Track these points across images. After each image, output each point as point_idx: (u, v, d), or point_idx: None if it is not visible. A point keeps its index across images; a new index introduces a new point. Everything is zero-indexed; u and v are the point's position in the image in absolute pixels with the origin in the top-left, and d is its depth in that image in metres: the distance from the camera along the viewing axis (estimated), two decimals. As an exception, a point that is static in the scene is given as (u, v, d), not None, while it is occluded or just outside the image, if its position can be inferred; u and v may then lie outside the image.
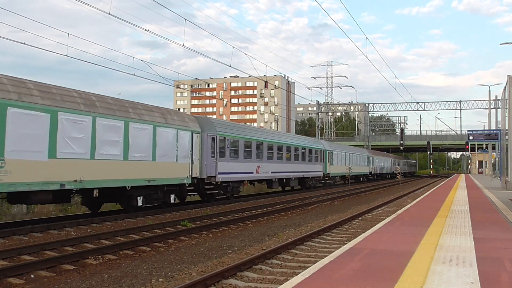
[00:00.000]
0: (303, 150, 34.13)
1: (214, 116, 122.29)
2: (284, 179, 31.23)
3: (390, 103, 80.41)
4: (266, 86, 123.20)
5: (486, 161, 70.98)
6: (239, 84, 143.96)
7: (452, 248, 7.98)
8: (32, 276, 8.53)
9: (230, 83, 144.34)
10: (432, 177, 78.35)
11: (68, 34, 19.99)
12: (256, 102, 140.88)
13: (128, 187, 15.84)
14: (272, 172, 28.68)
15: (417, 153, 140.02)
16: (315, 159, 36.78)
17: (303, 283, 5.56)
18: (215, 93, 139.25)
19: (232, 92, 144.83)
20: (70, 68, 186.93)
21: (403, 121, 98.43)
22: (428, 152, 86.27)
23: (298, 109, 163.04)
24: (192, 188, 20.39)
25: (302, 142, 35.66)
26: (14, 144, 11.96)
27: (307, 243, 11.83)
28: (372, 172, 59.37)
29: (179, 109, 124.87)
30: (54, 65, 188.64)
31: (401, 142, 71.65)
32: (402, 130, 79.17)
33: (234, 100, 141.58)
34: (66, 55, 20.45)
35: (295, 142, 33.65)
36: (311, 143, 37.87)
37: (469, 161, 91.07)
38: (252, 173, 25.94)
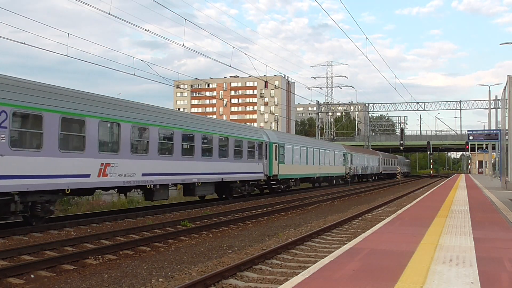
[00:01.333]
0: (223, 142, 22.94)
1: (214, 116, 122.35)
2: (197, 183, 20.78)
3: (390, 103, 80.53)
4: (266, 86, 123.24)
5: (486, 161, 70.98)
6: (239, 84, 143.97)
7: (452, 248, 7.97)
8: (32, 276, 8.53)
9: (230, 83, 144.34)
10: (432, 177, 78.28)
11: (68, 34, 20.01)
12: (256, 102, 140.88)
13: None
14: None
15: (417, 153, 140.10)
16: (249, 155, 25.17)
17: (303, 283, 5.56)
18: (215, 93, 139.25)
19: (232, 92, 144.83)
20: (70, 68, 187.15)
21: (403, 121, 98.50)
22: (428, 152, 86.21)
23: (298, 109, 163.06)
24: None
25: (224, 129, 23.55)
26: None
27: (307, 243, 11.83)
28: (351, 173, 48.05)
29: (179, 109, 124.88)
30: (54, 65, 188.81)
31: (401, 142, 71.64)
32: (402, 130, 79.19)
33: (234, 100, 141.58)
34: (66, 55, 20.46)
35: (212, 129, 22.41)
36: (242, 131, 25.37)
37: (469, 161, 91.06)
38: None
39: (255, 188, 27.57)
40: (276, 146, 28.64)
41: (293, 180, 32.21)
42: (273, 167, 28.01)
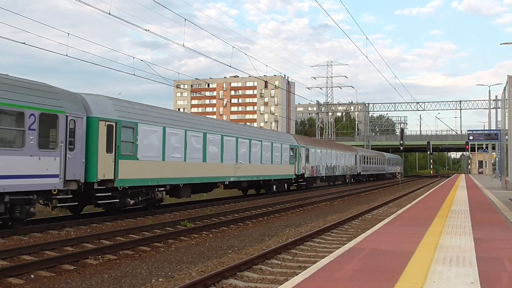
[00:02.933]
0: None
1: (214, 116, 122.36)
2: None
3: (390, 103, 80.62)
4: (266, 86, 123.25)
5: (486, 161, 70.95)
6: (239, 84, 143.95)
7: (452, 248, 7.97)
8: (32, 276, 8.52)
9: (230, 83, 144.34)
10: (432, 177, 78.25)
11: (68, 34, 19.97)
12: (256, 102, 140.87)
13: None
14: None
15: (417, 153, 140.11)
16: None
17: (303, 283, 5.56)
18: (215, 93, 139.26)
19: (232, 92, 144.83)
20: (71, 69, 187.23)
21: (403, 121, 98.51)
22: (428, 152, 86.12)
23: (298, 109, 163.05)
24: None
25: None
26: None
27: (307, 243, 11.83)
28: (308, 175, 35.42)
29: (179, 109, 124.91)
30: (55, 66, 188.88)
31: (401, 142, 71.60)
32: (402, 130, 79.15)
33: (234, 100, 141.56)
34: (66, 55, 20.45)
35: None
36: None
37: (469, 161, 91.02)
38: None
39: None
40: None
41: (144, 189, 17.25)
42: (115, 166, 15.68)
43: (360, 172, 53.11)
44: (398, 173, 43.73)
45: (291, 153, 31.60)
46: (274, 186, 29.45)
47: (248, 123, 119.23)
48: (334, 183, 46.12)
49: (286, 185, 31.52)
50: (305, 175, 34.66)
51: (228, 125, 25.55)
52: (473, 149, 72.52)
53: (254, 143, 26.22)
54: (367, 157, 57.46)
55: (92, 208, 17.78)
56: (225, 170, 22.78)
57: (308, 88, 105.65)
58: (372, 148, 79.14)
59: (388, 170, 72.28)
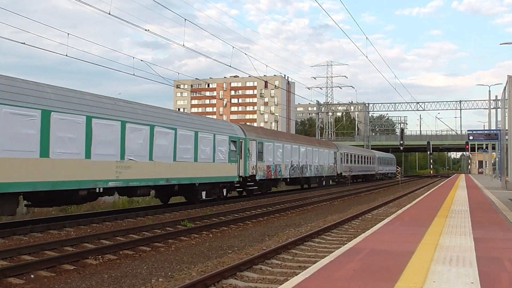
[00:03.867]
0: None
1: (214, 116, 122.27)
2: None
3: (390, 103, 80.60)
4: (266, 86, 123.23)
5: (486, 161, 70.95)
6: (239, 84, 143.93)
7: (452, 248, 7.97)
8: (32, 276, 8.52)
9: (230, 83, 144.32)
10: (432, 177, 78.24)
11: (68, 34, 19.95)
12: (256, 102, 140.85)
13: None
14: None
15: (417, 153, 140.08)
16: None
17: (303, 283, 5.56)
18: (215, 93, 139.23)
19: (232, 92, 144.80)
20: (71, 69, 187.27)
21: (403, 121, 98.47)
22: (428, 152, 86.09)
23: (298, 109, 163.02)
24: None
25: None
26: None
27: (307, 243, 11.83)
28: (260, 176, 27.06)
29: (179, 109, 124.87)
30: (56, 66, 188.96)
31: (401, 142, 71.61)
32: (402, 130, 79.16)
33: (234, 100, 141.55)
34: (66, 55, 20.45)
35: None
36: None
37: (469, 161, 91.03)
38: None
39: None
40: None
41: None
42: None
43: (341, 173, 43.88)
44: (398, 173, 43.68)
45: (233, 148, 23.39)
46: (204, 193, 21.31)
47: (248, 123, 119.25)
48: (303, 186, 37.10)
49: (225, 190, 23.46)
50: (257, 177, 26.25)
51: (107, 102, 16.02)
52: (473, 149, 72.52)
53: (161, 131, 17.99)
54: (351, 155, 48.22)
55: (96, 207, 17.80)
56: (96, 170, 14.85)
57: (308, 88, 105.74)
58: (372, 148, 78.85)
59: (379, 171, 64.16)
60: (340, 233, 13.86)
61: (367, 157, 56.57)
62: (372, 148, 78.60)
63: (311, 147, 36.19)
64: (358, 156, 51.57)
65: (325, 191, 35.00)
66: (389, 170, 73.15)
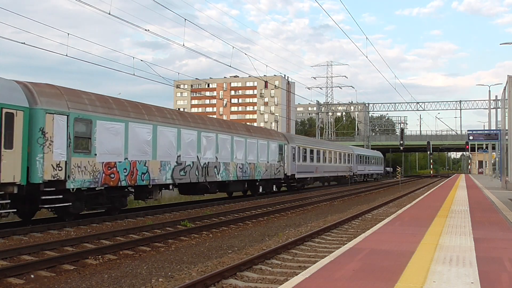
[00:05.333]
0: None
1: (214, 116, 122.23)
2: None
3: (390, 103, 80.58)
4: (266, 86, 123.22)
5: (486, 161, 70.96)
6: (239, 84, 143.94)
7: (452, 248, 7.97)
8: (32, 276, 8.52)
9: (230, 83, 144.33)
10: (432, 177, 78.23)
11: (68, 34, 19.89)
12: (256, 102, 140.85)
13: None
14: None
15: (417, 153, 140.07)
16: None
17: (303, 283, 5.56)
18: (215, 93, 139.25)
19: (232, 92, 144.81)
20: (72, 69, 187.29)
21: (403, 121, 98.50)
22: (428, 152, 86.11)
23: (298, 109, 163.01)
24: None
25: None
26: None
27: (307, 243, 11.83)
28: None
29: (179, 108, 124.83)
30: (56, 66, 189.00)
31: (401, 142, 71.60)
32: (402, 130, 79.16)
33: (234, 100, 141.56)
34: (66, 55, 20.44)
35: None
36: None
37: (469, 161, 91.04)
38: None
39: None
40: None
41: None
42: None
43: (293, 175, 31.30)
44: (398, 173, 43.57)
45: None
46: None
47: (248, 123, 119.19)
48: (204, 194, 23.35)
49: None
50: (70, 184, 14.03)
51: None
52: (473, 149, 72.51)
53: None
54: (312, 151, 35.79)
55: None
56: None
57: (308, 88, 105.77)
58: (372, 148, 78.60)
59: (358, 171, 52.06)
60: (340, 233, 13.86)
61: (342, 155, 44.98)
62: (372, 148, 78.39)
63: (227, 134, 23.17)
64: (323, 152, 39.11)
65: (325, 191, 34.88)
66: (374, 170, 61.79)
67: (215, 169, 21.94)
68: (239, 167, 24.23)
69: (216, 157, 21.98)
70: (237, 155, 23.99)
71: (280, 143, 29.74)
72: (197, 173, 20.41)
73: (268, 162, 27.73)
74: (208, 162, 21.36)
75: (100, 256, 10.14)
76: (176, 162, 19.01)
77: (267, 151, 27.69)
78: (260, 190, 27.30)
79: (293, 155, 31.51)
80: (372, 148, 78.68)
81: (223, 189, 24.09)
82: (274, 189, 29.60)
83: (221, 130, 23.01)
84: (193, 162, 20.13)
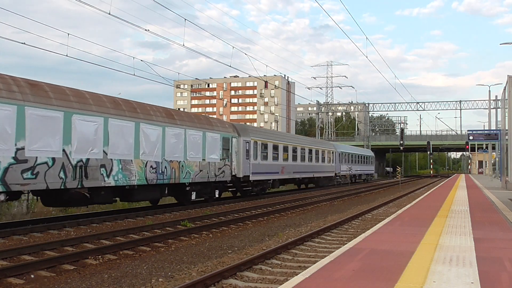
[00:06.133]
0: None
1: (214, 116, 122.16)
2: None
3: (390, 103, 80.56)
4: (266, 86, 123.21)
5: (486, 161, 70.94)
6: (239, 84, 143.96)
7: (452, 248, 7.97)
8: (32, 276, 8.52)
9: (230, 83, 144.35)
10: (432, 177, 78.22)
11: (68, 34, 19.86)
12: (256, 102, 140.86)
13: None
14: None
15: (417, 153, 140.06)
16: None
17: (303, 283, 5.56)
18: (215, 93, 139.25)
19: (232, 92, 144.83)
20: (72, 69, 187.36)
21: (403, 121, 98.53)
22: (428, 152, 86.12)
23: (298, 109, 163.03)
24: None
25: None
26: None
27: (307, 243, 11.83)
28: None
29: (179, 108, 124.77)
30: (57, 66, 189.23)
31: (401, 142, 71.59)
32: (402, 130, 79.17)
33: (234, 100, 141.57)
34: (66, 55, 20.43)
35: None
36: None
37: (469, 161, 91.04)
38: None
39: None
40: None
41: None
42: None
43: (247, 176, 25.04)
44: (398, 173, 43.51)
45: None
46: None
47: (248, 123, 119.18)
48: (88, 206, 17.11)
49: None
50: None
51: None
52: (473, 149, 72.53)
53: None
54: (275, 148, 29.11)
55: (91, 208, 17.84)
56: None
57: (308, 88, 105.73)
58: (372, 149, 78.44)
59: (343, 171, 45.18)
60: (340, 233, 13.86)
61: (318, 152, 38.02)
62: (372, 149, 78.23)
63: (128, 119, 16.48)
64: (293, 148, 32.32)
65: (325, 191, 34.85)
66: (363, 170, 54.69)
67: (102, 169, 15.21)
68: (151, 167, 17.48)
69: (104, 152, 15.18)
70: (146, 150, 17.16)
71: (226, 136, 22.86)
72: (63, 175, 13.79)
73: (204, 159, 20.84)
74: (88, 160, 14.63)
75: (100, 256, 10.13)
76: (14, 158, 12.39)
77: (203, 146, 20.79)
78: (193, 197, 20.73)
79: (246, 151, 24.92)
80: (372, 148, 78.56)
81: (124, 197, 17.39)
82: (217, 195, 22.63)
83: (116, 114, 15.88)
84: (54, 158, 13.50)
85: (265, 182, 27.92)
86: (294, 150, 32.51)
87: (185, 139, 19.59)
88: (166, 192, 19.21)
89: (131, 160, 16.48)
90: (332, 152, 42.39)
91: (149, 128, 17.41)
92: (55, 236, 12.73)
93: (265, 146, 27.54)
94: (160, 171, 18.03)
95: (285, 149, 30.81)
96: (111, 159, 15.57)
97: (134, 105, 17.39)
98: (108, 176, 15.38)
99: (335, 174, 42.93)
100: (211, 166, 21.48)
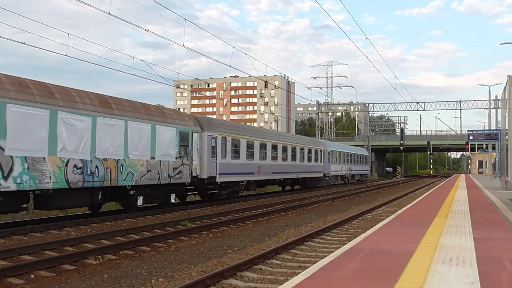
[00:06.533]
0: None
1: (214, 116, 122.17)
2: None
3: (390, 103, 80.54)
4: (266, 86, 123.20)
5: (486, 161, 70.95)
6: (239, 84, 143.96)
7: (452, 248, 7.97)
8: (32, 276, 8.52)
9: (230, 83, 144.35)
10: (432, 177, 78.22)
11: (68, 34, 19.85)
12: (256, 102, 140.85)
13: None
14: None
15: (417, 153, 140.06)
16: None
17: (303, 283, 5.56)
18: (215, 93, 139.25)
19: (232, 92, 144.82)
20: (72, 69, 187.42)
21: (403, 121, 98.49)
22: (428, 152, 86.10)
23: (298, 109, 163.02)
24: None
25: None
26: None
27: (307, 243, 11.83)
28: None
29: (179, 109, 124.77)
30: (57, 66, 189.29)
31: (401, 142, 71.58)
32: (402, 130, 79.09)
33: (234, 100, 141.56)
34: (66, 55, 20.42)
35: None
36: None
37: (469, 161, 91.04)
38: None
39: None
40: None
41: None
42: None
43: (212, 177, 21.72)
44: (398, 173, 43.49)
45: None
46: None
47: (248, 123, 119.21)
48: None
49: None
50: None
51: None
52: (473, 149, 72.55)
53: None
54: (250, 145, 25.75)
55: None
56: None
57: (308, 88, 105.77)
58: (372, 149, 78.19)
59: (333, 171, 42.15)
60: (340, 233, 13.86)
61: (303, 150, 34.57)
62: (372, 149, 78.07)
63: (39, 107, 13.07)
64: (273, 146, 28.84)
65: (325, 191, 34.84)
66: (356, 170, 51.00)
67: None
68: (75, 166, 14.18)
69: (0, 147, 11.92)
70: (68, 145, 13.86)
71: (184, 130, 19.44)
72: None
73: (153, 158, 17.46)
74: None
75: (100, 256, 10.13)
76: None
77: (152, 141, 17.40)
78: (140, 202, 17.19)
79: (212, 148, 21.56)
80: (372, 148, 78.51)
81: (37, 204, 14.08)
82: (173, 200, 19.30)
83: (19, 98, 12.46)
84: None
85: (236, 184, 24.46)
86: (274, 148, 29.14)
87: (126, 132, 16.11)
88: (100, 197, 15.61)
89: (44, 157, 13.01)
90: (321, 151, 39.09)
91: (72, 117, 13.93)
92: (55, 236, 12.73)
93: (236, 143, 24.19)
94: (89, 172, 14.56)
95: (263, 146, 27.46)
96: (11, 156, 12.07)
97: (52, 89, 13.74)
98: (5, 178, 11.87)
99: (324, 174, 39.79)
100: (163, 165, 18.04)
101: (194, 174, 20.15)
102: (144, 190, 17.30)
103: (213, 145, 21.73)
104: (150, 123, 17.40)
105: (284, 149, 30.79)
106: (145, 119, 17.21)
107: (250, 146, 25.76)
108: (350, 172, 46.35)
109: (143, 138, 16.97)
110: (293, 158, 32.33)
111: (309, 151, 35.94)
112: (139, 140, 16.72)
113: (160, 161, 17.85)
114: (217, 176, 22.02)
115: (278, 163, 29.73)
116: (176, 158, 18.87)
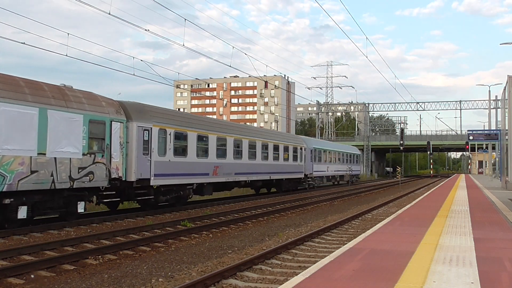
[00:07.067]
0: None
1: (214, 116, 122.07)
2: None
3: (390, 103, 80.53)
4: (266, 86, 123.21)
5: (486, 161, 70.96)
6: (239, 84, 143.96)
7: (452, 248, 7.97)
8: (32, 276, 8.52)
9: (230, 83, 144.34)
10: (432, 177, 78.19)
11: (68, 34, 19.82)
12: (256, 102, 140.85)
13: None
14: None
15: (417, 153, 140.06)
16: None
17: (303, 283, 5.56)
18: (215, 93, 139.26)
19: (232, 92, 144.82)
20: (72, 69, 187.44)
21: (403, 121, 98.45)
22: (428, 152, 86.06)
23: (298, 109, 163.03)
24: None
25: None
26: None
27: (307, 243, 11.83)
28: None
29: (179, 109, 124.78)
30: (56, 66, 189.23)
31: (401, 142, 71.54)
32: (402, 130, 79.01)
33: (234, 100, 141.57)
34: (66, 55, 20.41)
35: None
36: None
37: (469, 161, 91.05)
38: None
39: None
40: None
41: None
42: None
43: (145, 180, 17.07)
44: (398, 173, 43.45)
45: None
46: None
47: (248, 123, 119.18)
48: None
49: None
50: None
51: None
52: (473, 149, 72.52)
53: None
54: (204, 139, 21.28)
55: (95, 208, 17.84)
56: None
57: (308, 88, 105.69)
58: (372, 149, 78.10)
59: (316, 172, 36.98)
60: (340, 233, 13.86)
61: (277, 148, 29.69)
62: (372, 149, 77.94)
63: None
64: (235, 142, 24.14)
65: (325, 191, 34.81)
66: (345, 170, 45.92)
67: None
68: None
69: None
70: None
71: (97, 118, 14.87)
72: None
73: (43, 154, 13.06)
74: None
75: (100, 256, 10.14)
76: None
77: (39, 130, 12.91)
78: (22, 214, 12.74)
79: (144, 143, 17.06)
80: (372, 148, 78.45)
81: None
82: (81, 210, 14.68)
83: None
84: None
85: (182, 187, 19.69)
86: (237, 144, 24.24)
87: None
88: None
89: None
90: (301, 149, 33.80)
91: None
92: (55, 236, 12.73)
93: (182, 137, 19.51)
94: None
95: (222, 142, 22.67)
96: None
97: None
98: None
99: (305, 175, 34.43)
100: (61, 164, 13.51)
101: (114, 176, 15.56)
102: (28, 198, 12.82)
103: (146, 138, 17.02)
104: (38, 106, 12.86)
105: (252, 145, 25.95)
106: (29, 100, 12.63)
107: (202, 140, 21.04)
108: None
109: (24, 125, 12.44)
110: (265, 156, 27.68)
111: (286, 149, 30.91)
112: (16, 128, 12.22)
113: (55, 158, 13.30)
114: (152, 178, 17.33)
115: (243, 162, 24.89)
116: (84, 154, 14.27)
